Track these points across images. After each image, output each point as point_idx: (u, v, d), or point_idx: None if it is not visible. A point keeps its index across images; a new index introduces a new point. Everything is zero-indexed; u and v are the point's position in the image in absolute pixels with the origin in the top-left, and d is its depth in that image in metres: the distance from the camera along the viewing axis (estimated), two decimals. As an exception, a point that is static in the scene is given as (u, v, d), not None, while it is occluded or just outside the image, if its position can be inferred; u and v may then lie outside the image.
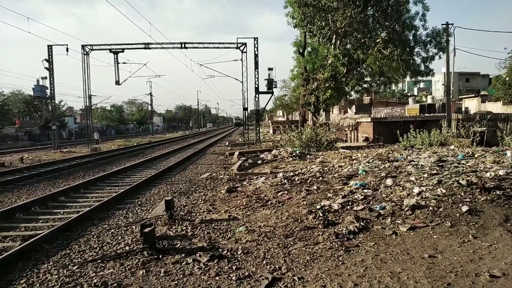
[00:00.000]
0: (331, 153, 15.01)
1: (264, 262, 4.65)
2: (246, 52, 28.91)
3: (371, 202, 6.62)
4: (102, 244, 5.83)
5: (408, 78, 32.37)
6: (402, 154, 12.21)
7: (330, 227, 5.67)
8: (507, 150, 11.40)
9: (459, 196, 6.31)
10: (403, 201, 6.27)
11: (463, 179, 6.99)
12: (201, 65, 31.64)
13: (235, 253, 5.01)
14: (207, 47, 29.21)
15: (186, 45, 28.84)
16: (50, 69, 27.97)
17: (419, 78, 28.10)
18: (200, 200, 8.72)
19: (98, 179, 12.56)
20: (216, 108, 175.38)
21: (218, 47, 29.08)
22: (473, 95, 47.80)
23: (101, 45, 29.46)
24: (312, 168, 11.02)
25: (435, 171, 8.14)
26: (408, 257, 4.38)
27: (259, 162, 14.60)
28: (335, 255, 4.65)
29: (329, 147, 17.16)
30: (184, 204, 8.42)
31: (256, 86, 28.73)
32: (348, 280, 3.92)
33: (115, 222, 7.26)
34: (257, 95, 28.94)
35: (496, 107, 37.64)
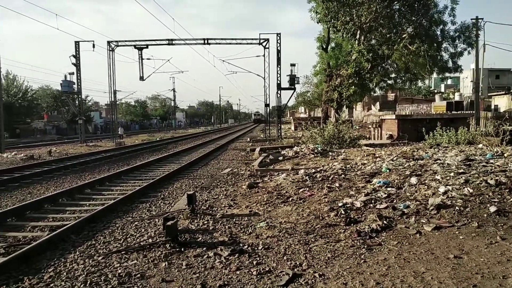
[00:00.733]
0: (354, 150, 14.83)
1: (284, 258, 4.65)
2: (268, 48, 28.83)
3: (395, 201, 6.50)
4: (126, 236, 5.96)
5: (435, 75, 31.47)
6: (428, 152, 11.92)
7: (352, 225, 5.61)
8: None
9: (487, 196, 6.12)
10: (428, 200, 6.13)
11: (491, 179, 6.78)
12: (223, 61, 31.81)
13: (256, 248, 5.02)
14: (230, 43, 29.26)
15: (209, 41, 28.98)
16: (77, 65, 28.72)
17: (447, 74, 27.27)
18: (221, 195, 8.78)
19: (122, 172, 12.84)
20: (238, 104, 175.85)
21: (240, 43, 29.09)
22: (503, 93, 46.04)
23: (126, 41, 29.99)
24: (334, 165, 10.91)
25: (462, 170, 7.91)
26: (432, 257, 4.29)
27: (280, 158, 14.57)
28: (357, 253, 4.59)
29: (352, 144, 16.95)
30: (206, 198, 8.50)
31: (278, 82, 28.60)
32: (370, 278, 3.87)
33: (138, 215, 7.41)
34: (279, 91, 28.83)
35: (527, 105, 36.21)
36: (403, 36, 22.75)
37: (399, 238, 4.97)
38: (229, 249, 4.96)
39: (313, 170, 10.32)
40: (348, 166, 10.50)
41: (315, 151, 14.94)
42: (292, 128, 46.98)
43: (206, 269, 4.46)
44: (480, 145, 13.00)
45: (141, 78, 31.56)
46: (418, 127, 17.76)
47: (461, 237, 4.82)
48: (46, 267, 4.77)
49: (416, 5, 22.19)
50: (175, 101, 67.51)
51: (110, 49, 29.54)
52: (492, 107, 39.21)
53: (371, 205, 6.41)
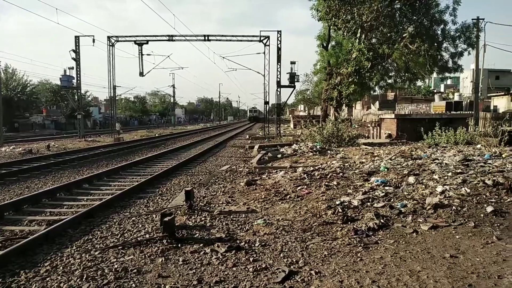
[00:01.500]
0: (353, 149, 14.84)
1: (281, 255, 4.66)
2: (269, 45, 28.83)
3: (392, 200, 6.52)
4: (123, 231, 5.96)
5: (435, 74, 31.48)
6: (426, 152, 11.95)
7: (349, 223, 5.62)
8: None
9: (484, 196, 6.14)
10: (425, 200, 6.14)
11: (489, 179, 6.79)
12: (223, 57, 31.77)
13: (253, 245, 5.03)
14: (230, 40, 29.24)
15: (209, 38, 28.94)
16: (77, 60, 28.67)
17: (447, 74, 27.26)
18: (219, 192, 8.79)
19: (121, 168, 12.83)
20: (237, 101, 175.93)
21: (241, 40, 29.07)
22: (502, 93, 46.07)
23: (126, 36, 29.94)
24: (332, 163, 10.92)
25: (459, 170, 7.93)
26: (428, 256, 4.30)
27: (279, 156, 14.57)
28: (354, 251, 4.60)
29: (351, 143, 16.96)
30: (204, 195, 8.50)
31: (278, 79, 28.60)
32: (366, 276, 3.88)
33: (136, 210, 7.41)
34: (278, 89, 28.81)
35: (527, 106, 36.23)
36: (404, 35, 22.74)
37: (396, 237, 4.98)
38: (226, 246, 4.96)
39: (312, 168, 10.33)
40: (346, 164, 10.51)
41: (314, 149, 14.95)
42: (291, 126, 46.99)
43: (203, 265, 4.47)
44: (479, 146, 13.03)
45: (141, 74, 31.54)
46: (417, 126, 17.73)
47: (457, 236, 4.84)
48: (42, 261, 4.77)
49: (417, 4, 22.18)
50: (175, 97, 67.54)
51: (110, 44, 29.49)
52: (491, 107, 39.22)
53: (369, 203, 6.42)
